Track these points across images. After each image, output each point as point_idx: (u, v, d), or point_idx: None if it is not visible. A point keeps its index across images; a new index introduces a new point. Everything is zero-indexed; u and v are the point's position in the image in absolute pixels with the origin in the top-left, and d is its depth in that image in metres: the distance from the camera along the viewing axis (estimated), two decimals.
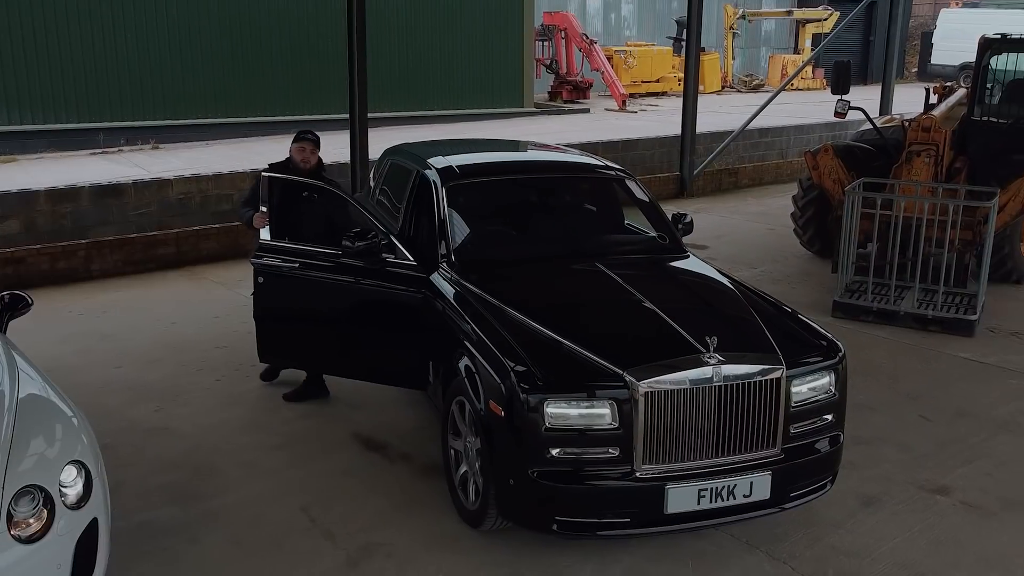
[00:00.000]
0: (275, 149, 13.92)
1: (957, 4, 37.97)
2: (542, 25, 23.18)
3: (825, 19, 27.88)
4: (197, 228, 9.58)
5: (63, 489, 3.43)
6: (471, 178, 5.71)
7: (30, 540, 3.25)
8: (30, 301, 4.68)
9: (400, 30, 17.81)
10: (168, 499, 4.69)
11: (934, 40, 30.36)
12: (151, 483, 4.85)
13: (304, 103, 16.96)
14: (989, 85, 10.00)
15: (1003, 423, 5.76)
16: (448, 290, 4.92)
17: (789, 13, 29.98)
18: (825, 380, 4.28)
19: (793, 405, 4.14)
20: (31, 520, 3.29)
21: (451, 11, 18.67)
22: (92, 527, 3.50)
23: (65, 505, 3.40)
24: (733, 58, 28.76)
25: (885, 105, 16.02)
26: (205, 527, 4.45)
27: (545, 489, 3.91)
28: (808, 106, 19.84)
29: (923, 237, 7.74)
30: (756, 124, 15.10)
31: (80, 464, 3.54)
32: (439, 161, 5.86)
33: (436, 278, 5.08)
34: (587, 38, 22.99)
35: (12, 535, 3.21)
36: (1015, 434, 5.61)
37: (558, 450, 3.89)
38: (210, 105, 16.26)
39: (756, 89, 27.32)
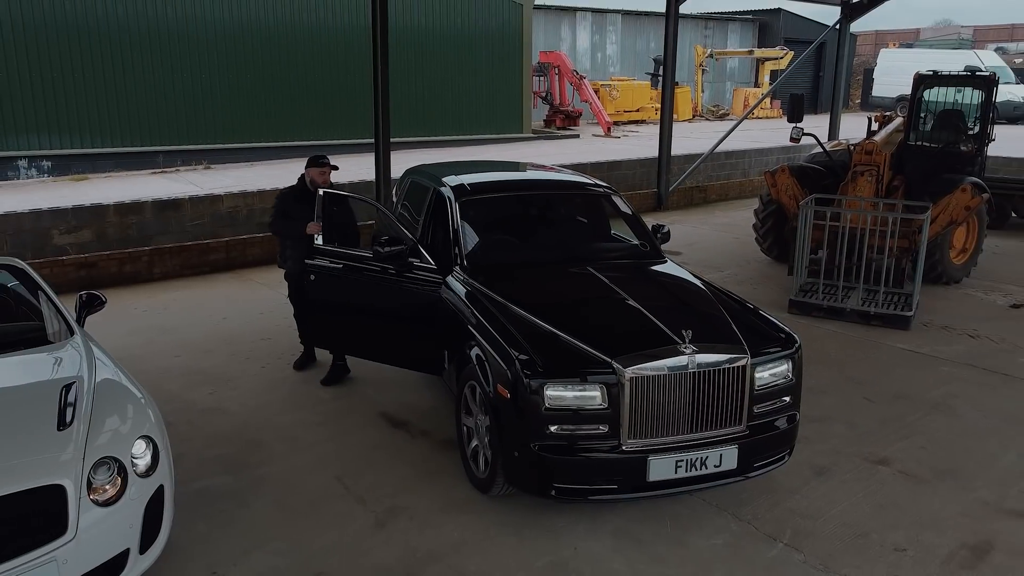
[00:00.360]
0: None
1: (895, 44, 37.94)
2: (538, 63, 23.17)
3: (781, 57, 27.89)
4: (244, 237, 9.56)
5: (134, 460, 3.45)
6: (480, 194, 5.70)
7: (107, 504, 3.28)
8: (104, 299, 4.71)
9: (416, 67, 17.79)
10: (221, 469, 4.70)
11: (875, 75, 30.34)
12: (207, 455, 4.85)
13: (333, 129, 16.94)
14: (923, 114, 9.99)
15: (935, 404, 5.76)
16: (461, 290, 4.93)
17: (750, 52, 29.93)
18: (784, 367, 4.29)
19: (756, 389, 4.15)
20: (107, 487, 3.32)
21: (460, 51, 18.66)
22: (159, 493, 3.52)
23: (136, 474, 3.42)
24: (702, 91, 28.72)
25: (833, 131, 15.97)
26: (253, 493, 4.46)
27: (545, 460, 3.92)
28: (767, 132, 19.84)
29: (866, 245, 7.74)
30: (722, 148, 15.08)
31: (148, 439, 3.56)
32: (452, 180, 5.86)
33: (451, 279, 5.09)
34: (577, 74, 23.00)
35: (92, 499, 3.24)
36: (945, 414, 5.61)
37: (556, 427, 3.91)
38: (254, 131, 16.24)
39: (722, 118, 27.31)
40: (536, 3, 22.43)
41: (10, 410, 3.53)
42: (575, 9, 27.19)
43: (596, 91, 23.32)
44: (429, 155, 11.62)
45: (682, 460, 3.95)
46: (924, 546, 4.02)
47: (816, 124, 14.47)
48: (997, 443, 5.15)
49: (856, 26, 17.58)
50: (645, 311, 4.44)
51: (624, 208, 5.92)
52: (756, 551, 3.97)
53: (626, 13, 28.52)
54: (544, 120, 23.48)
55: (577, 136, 21.29)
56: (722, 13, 32.00)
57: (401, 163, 9.74)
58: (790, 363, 4.31)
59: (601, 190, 6.00)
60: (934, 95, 10.07)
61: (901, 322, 7.41)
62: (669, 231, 5.94)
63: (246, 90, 16.06)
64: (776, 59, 28.17)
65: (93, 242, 8.88)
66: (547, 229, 5.90)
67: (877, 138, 9.59)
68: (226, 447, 4.97)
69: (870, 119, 11.18)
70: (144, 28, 14.92)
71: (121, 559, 3.31)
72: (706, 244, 11.07)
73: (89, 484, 3.25)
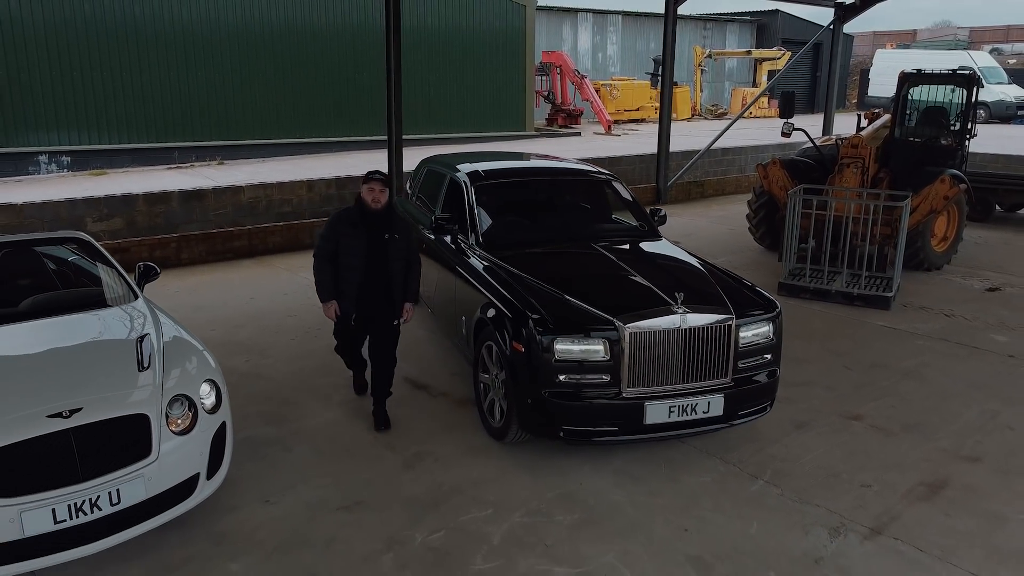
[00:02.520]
0: (318, 164, 14.59)
1: (892, 45, 38.52)
2: (541, 63, 23.71)
3: (778, 58, 28.44)
4: (265, 225, 10.11)
5: (202, 399, 4.02)
6: (493, 180, 6.27)
7: (181, 433, 3.85)
8: (158, 270, 5.28)
9: (424, 67, 18.34)
10: (264, 422, 5.26)
11: (871, 76, 30.89)
12: (250, 411, 5.40)
13: (343, 127, 17.51)
14: (908, 111, 10.56)
15: (908, 372, 6.32)
16: (477, 264, 5.49)
17: (748, 53, 30.50)
18: (765, 328, 4.85)
19: (740, 346, 4.71)
20: (180, 420, 3.89)
21: (465, 51, 19.22)
22: (222, 428, 4.10)
23: (204, 410, 4.00)
24: (701, 91, 29.28)
25: (827, 129, 16.54)
26: (294, 441, 5.03)
27: (554, 406, 4.49)
28: (763, 131, 20.38)
29: (851, 232, 8.30)
30: (720, 145, 15.63)
31: (212, 382, 4.14)
32: (467, 167, 6.44)
33: (468, 259, 5.65)
34: (579, 73, 23.55)
35: (171, 430, 3.81)
36: (916, 379, 6.17)
37: (564, 376, 4.47)
38: (266, 128, 16.80)
39: (720, 117, 27.86)
40: (538, 4, 22.99)
41: (98, 356, 4.11)
42: (576, 10, 27.77)
43: (597, 90, 23.89)
44: (435, 151, 12.13)
45: (675, 406, 4.52)
46: (887, 483, 4.58)
47: (812, 123, 15.08)
48: (960, 403, 5.71)
49: (854, 27, 18.23)
50: (642, 279, 5.02)
51: (624, 193, 6.49)
52: (739, 487, 4.53)
53: (626, 14, 29.09)
54: (546, 119, 24.03)
55: (579, 134, 21.84)
56: (721, 14, 32.60)
57: (409, 159, 10.33)
58: (771, 325, 4.87)
59: (603, 177, 6.58)
60: (920, 93, 10.63)
61: (882, 302, 7.97)
62: (666, 215, 6.49)
63: (258, 88, 16.60)
64: (773, 59, 28.74)
65: (123, 229, 9.43)
66: (554, 211, 6.46)
67: (864, 133, 10.17)
68: (266, 405, 5.53)
69: (859, 116, 11.76)
70: (160, 29, 15.47)
71: (192, 482, 3.88)
72: (702, 234, 11.61)
73: (167, 416, 3.82)
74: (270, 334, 7.01)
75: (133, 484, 3.58)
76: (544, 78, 24.05)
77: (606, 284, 5.08)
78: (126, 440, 3.64)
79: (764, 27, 32.46)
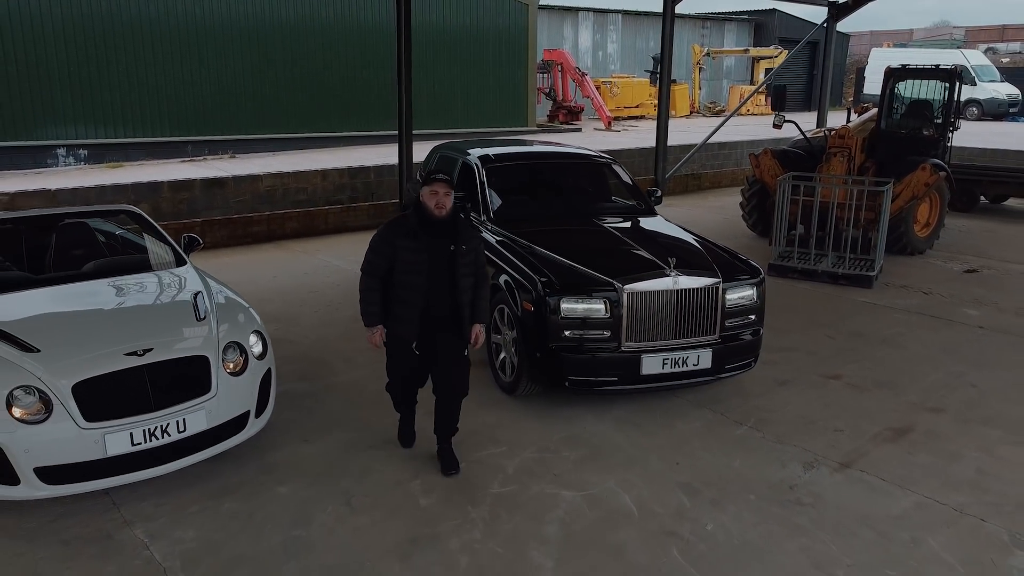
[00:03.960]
0: (328, 157, 15.10)
1: (889, 45, 39.06)
2: (543, 60, 24.24)
3: (775, 56, 28.98)
4: (282, 212, 10.68)
5: (251, 347, 4.58)
6: (502, 162, 6.84)
7: (235, 374, 4.41)
8: (201, 241, 5.85)
9: (429, 63, 18.88)
10: (297, 379, 5.82)
11: (866, 74, 31.39)
12: (283, 370, 5.91)
13: (350, 122, 18.04)
14: (895, 105, 11.13)
15: (884, 339, 6.89)
16: (490, 237, 6.03)
17: (746, 51, 31.04)
18: (750, 292, 5.41)
19: (727, 307, 5.27)
20: (233, 363, 4.44)
21: (470, 49, 19.78)
22: (268, 374, 4.66)
23: (253, 356, 4.56)
24: (700, 88, 29.81)
25: (820, 123, 17.09)
26: (325, 394, 5.58)
27: (560, 358, 5.05)
28: (760, 127, 20.88)
29: (836, 217, 8.85)
30: (717, 139, 16.17)
31: (259, 333, 4.70)
32: (478, 151, 7.00)
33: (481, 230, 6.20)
34: (579, 71, 24.08)
35: (226, 371, 4.36)
36: (891, 346, 6.73)
37: (569, 332, 5.04)
38: (276, 123, 17.32)
39: (719, 114, 28.34)
40: (540, 3, 23.54)
41: (161, 309, 4.70)
42: (577, 9, 28.31)
43: (597, 88, 24.41)
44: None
45: (668, 359, 5.08)
46: (857, 429, 5.14)
47: (808, 119, 15.61)
48: (930, 366, 6.27)
49: (852, 27, 18.81)
50: (639, 248, 5.58)
51: (623, 175, 7.06)
52: (726, 431, 5.09)
53: (626, 13, 29.64)
54: (548, 115, 24.56)
55: (579, 130, 22.35)
56: (719, 13, 33.16)
57: (414, 153, 10.85)
58: (755, 289, 5.44)
59: (603, 160, 7.14)
60: (907, 88, 11.19)
61: (864, 281, 8.53)
62: (661, 195, 7.07)
63: (269, 84, 17.13)
64: (771, 58, 29.28)
65: (149, 214, 9.91)
66: (558, 191, 7.02)
67: (851, 125, 10.73)
68: (298, 364, 6.09)
69: (849, 110, 12.34)
70: (174, 26, 16.01)
71: (244, 418, 4.44)
72: (698, 223, 12.09)
73: (223, 359, 4.37)
74: (295, 307, 7.57)
75: (196, 415, 4.14)
76: (546, 75, 24.58)
77: (606, 253, 5.63)
78: (190, 378, 4.20)
79: (762, 26, 33.01)
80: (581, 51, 28.32)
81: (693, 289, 5.14)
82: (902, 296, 8.26)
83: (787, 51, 27.81)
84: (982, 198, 13.61)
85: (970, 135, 18.95)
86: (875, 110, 11.78)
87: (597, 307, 5.04)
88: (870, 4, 16.72)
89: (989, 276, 9.15)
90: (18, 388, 3.83)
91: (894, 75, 10.99)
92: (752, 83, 30.91)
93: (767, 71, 29.28)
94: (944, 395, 5.70)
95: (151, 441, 3.98)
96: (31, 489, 3.83)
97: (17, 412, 3.80)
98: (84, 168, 15.50)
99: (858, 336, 6.98)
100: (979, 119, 26.93)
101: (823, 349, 6.63)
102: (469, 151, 7.07)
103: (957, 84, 10.66)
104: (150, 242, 5.72)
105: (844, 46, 34.44)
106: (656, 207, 6.96)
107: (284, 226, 10.47)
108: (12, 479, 3.80)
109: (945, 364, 6.33)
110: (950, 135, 10.85)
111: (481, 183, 6.54)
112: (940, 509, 4.21)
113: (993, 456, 4.80)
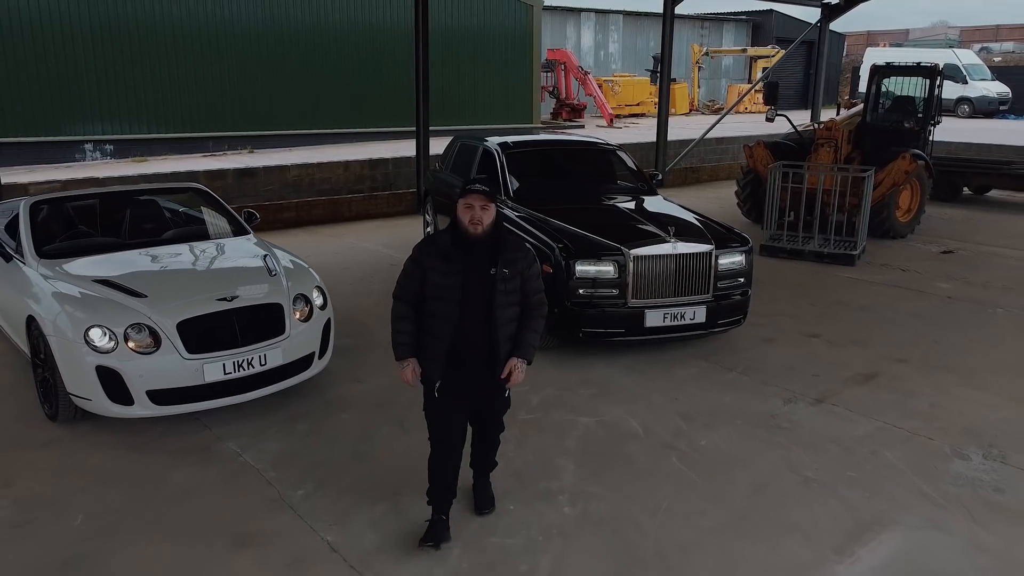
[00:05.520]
0: (345, 151, 15.95)
1: (886, 44, 39.91)
2: (546, 60, 25.07)
3: (773, 55, 29.84)
4: (309, 199, 11.52)
5: (314, 299, 5.42)
6: (519, 149, 7.70)
7: (303, 321, 5.26)
8: (258, 216, 6.69)
9: (438, 63, 19.67)
10: (343, 336, 6.63)
11: (861, 72, 32.24)
12: None
13: (364, 119, 18.89)
14: (882, 100, 11.98)
15: (862, 306, 7.73)
16: (511, 213, 6.88)
17: (744, 51, 31.94)
18: (739, 258, 6.26)
19: (719, 270, 6.12)
20: (300, 312, 5.28)
21: (477, 49, 20.63)
22: (328, 323, 5.52)
23: (316, 307, 5.41)
24: (699, 87, 30.69)
25: (814, 119, 17.94)
26: (368, 348, 6.42)
27: (576, 313, 5.90)
28: (756, 124, 21.70)
29: (823, 203, 9.68)
30: (715, 135, 17.05)
31: (320, 288, 5.56)
32: (497, 139, 7.86)
33: (502, 210, 7.04)
34: (582, 70, 24.95)
35: (296, 318, 5.20)
36: (868, 312, 7.57)
37: (583, 290, 5.88)
38: (293, 119, 18.18)
39: (717, 112, 29.22)
40: (544, 4, 24.39)
41: (239, 266, 5.57)
42: (580, 10, 29.20)
43: (599, 86, 25.28)
44: (446, 142, 13.57)
45: (668, 313, 5.94)
46: (832, 375, 5.99)
47: (804, 116, 16.51)
48: (900, 328, 7.12)
49: (849, 27, 19.63)
50: (643, 221, 6.43)
51: (627, 160, 7.91)
52: (718, 376, 5.94)
53: (627, 14, 30.54)
54: (551, 113, 25.40)
55: (582, 127, 23.21)
56: (717, 14, 34.05)
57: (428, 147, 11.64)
58: (744, 256, 6.29)
59: (610, 147, 8.00)
60: (895, 84, 12.04)
61: (847, 259, 9.38)
62: (662, 178, 7.91)
63: (286, 82, 17.98)
64: (768, 57, 30.14)
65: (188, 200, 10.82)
66: (570, 174, 7.87)
67: (838, 119, 11.58)
68: (341, 326, 6.83)
69: (838, 105, 13.23)
70: (196, 27, 16.86)
71: (310, 358, 5.28)
72: (696, 209, 12.97)
73: (293, 308, 5.22)
74: (331, 280, 8.31)
75: (274, 352, 4.98)
76: (549, 74, 25.41)
77: (614, 225, 6.49)
78: (268, 322, 5.04)
79: (759, 26, 33.91)
80: (583, 51, 29.18)
81: (690, 254, 6.00)
82: (881, 273, 9.11)
83: (783, 50, 28.68)
84: (965, 189, 14.46)
85: (960, 131, 19.84)
86: (861, 105, 12.64)
87: (607, 269, 5.89)
88: (866, 5, 17.57)
89: (963, 256, 10.00)
90: (131, 326, 4.67)
91: (879, 72, 11.85)
92: (750, 82, 31.77)
93: (764, 70, 30.15)
94: (909, 349, 6.55)
95: (239, 371, 4.82)
96: (143, 409, 4.68)
97: (131, 345, 4.64)
98: (110, 162, 16.34)
99: (838, 304, 7.82)
100: (970, 117, 27.80)
101: (806, 314, 7.48)
102: (488, 140, 7.92)
103: (937, 81, 11.51)
104: (211, 215, 6.55)
105: (840, 46, 35.33)
106: (657, 189, 7.81)
107: (311, 213, 11.30)
108: (128, 400, 4.64)
109: (913, 326, 7.17)
110: (931, 128, 11.69)
111: (501, 167, 7.39)
112: (896, 432, 5.05)
113: (945, 395, 5.65)
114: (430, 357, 3.66)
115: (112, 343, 4.60)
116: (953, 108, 27.74)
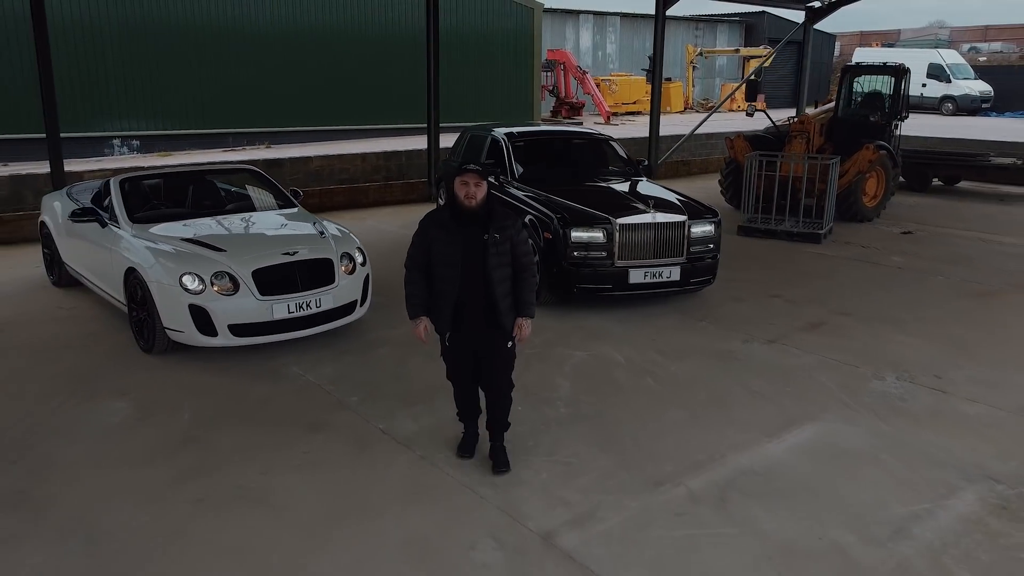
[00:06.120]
0: (354, 147, 17.14)
1: (878, 44, 41.11)
2: (546, 60, 26.27)
3: (765, 56, 31.02)
4: (330, 187, 12.71)
5: (356, 257, 6.62)
6: (524, 138, 8.91)
7: (348, 274, 6.46)
8: (301, 193, 7.89)
9: (444, 64, 20.66)
10: (377, 294, 7.81)
11: None
12: None
13: (375, 116, 20.09)
14: (853, 97, 13.19)
15: (821, 275, 8.93)
16: (517, 192, 8.08)
17: (737, 51, 33.15)
18: (709, 227, 7.47)
19: (691, 237, 7.33)
20: (345, 267, 6.49)
21: (481, 51, 21.83)
22: (367, 278, 6.72)
23: (358, 264, 6.61)
24: (693, 86, 31.90)
25: (798, 115, 19.12)
26: (398, 304, 7.53)
27: (571, 272, 7.11)
28: (746, 122, 22.91)
29: (794, 188, 10.87)
30: (705, 131, 18.25)
31: (360, 250, 6.75)
32: (502, 130, 9.07)
33: (509, 189, 8.26)
34: (581, 70, 26.14)
35: (342, 272, 6.41)
36: (826, 279, 8.77)
37: (577, 252, 7.09)
38: (307, 116, 19.39)
39: (711, 110, 30.44)
40: (544, 6, 25.59)
41: (295, 230, 6.78)
42: (578, 12, 30.42)
43: (597, 85, 26.47)
44: (454, 138, 14.74)
45: (648, 272, 7.15)
46: (786, 323, 7.19)
47: (791, 113, 17.68)
48: (851, 291, 8.33)
49: (844, 27, 20.77)
50: (630, 198, 7.64)
51: (619, 149, 9.12)
52: (690, 324, 7.15)
53: (624, 15, 31.76)
54: (551, 111, 26.59)
55: (581, 124, 24.39)
56: (711, 15, 35.27)
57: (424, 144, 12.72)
58: (713, 226, 7.50)
59: (603, 137, 9.22)
60: (869, 82, 13.24)
61: (814, 238, 10.58)
62: (649, 164, 9.11)
63: (301, 82, 19.18)
64: (760, 57, 31.32)
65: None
66: (567, 159, 9.08)
67: (811, 113, 12.79)
68: (375, 287, 8.08)
69: (816, 102, 14.41)
70: (215, 29, 18.04)
71: (353, 305, 6.49)
72: None
73: (340, 263, 6.42)
74: None
75: (327, 297, 6.19)
76: (549, 74, 26.59)
77: (604, 201, 7.69)
78: (322, 273, 6.25)
79: (752, 27, 35.13)
80: (582, 51, 30.37)
81: (667, 223, 7.21)
82: (844, 249, 10.32)
83: (775, 50, 29.86)
84: (936, 180, 15.65)
85: (941, 127, 21.04)
86: (833, 102, 13.84)
87: (597, 235, 7.09)
88: (866, 5, 19.06)
89: (921, 236, 11.21)
90: (215, 273, 5.88)
91: (850, 72, 13.08)
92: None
93: (752, 69, 31.34)
94: (854, 305, 7.76)
95: (299, 311, 6.03)
96: (225, 339, 5.89)
97: (216, 288, 5.85)
98: (136, 156, 17.53)
99: (801, 274, 9.03)
100: (954, 114, 29.02)
101: (772, 281, 8.68)
102: (495, 130, 9.13)
103: (904, 79, 12.71)
104: (262, 192, 7.75)
105: (831, 46, 36.55)
106: (644, 175, 9.02)
107: (333, 199, 12.50)
108: (213, 332, 5.85)
109: (863, 289, 8.39)
110: (897, 122, 12.89)
111: (508, 154, 8.60)
112: (831, 363, 6.26)
113: (877, 339, 6.85)
114: (439, 313, 4.39)
115: (200, 286, 5.81)
116: (937, 106, 28.98)
